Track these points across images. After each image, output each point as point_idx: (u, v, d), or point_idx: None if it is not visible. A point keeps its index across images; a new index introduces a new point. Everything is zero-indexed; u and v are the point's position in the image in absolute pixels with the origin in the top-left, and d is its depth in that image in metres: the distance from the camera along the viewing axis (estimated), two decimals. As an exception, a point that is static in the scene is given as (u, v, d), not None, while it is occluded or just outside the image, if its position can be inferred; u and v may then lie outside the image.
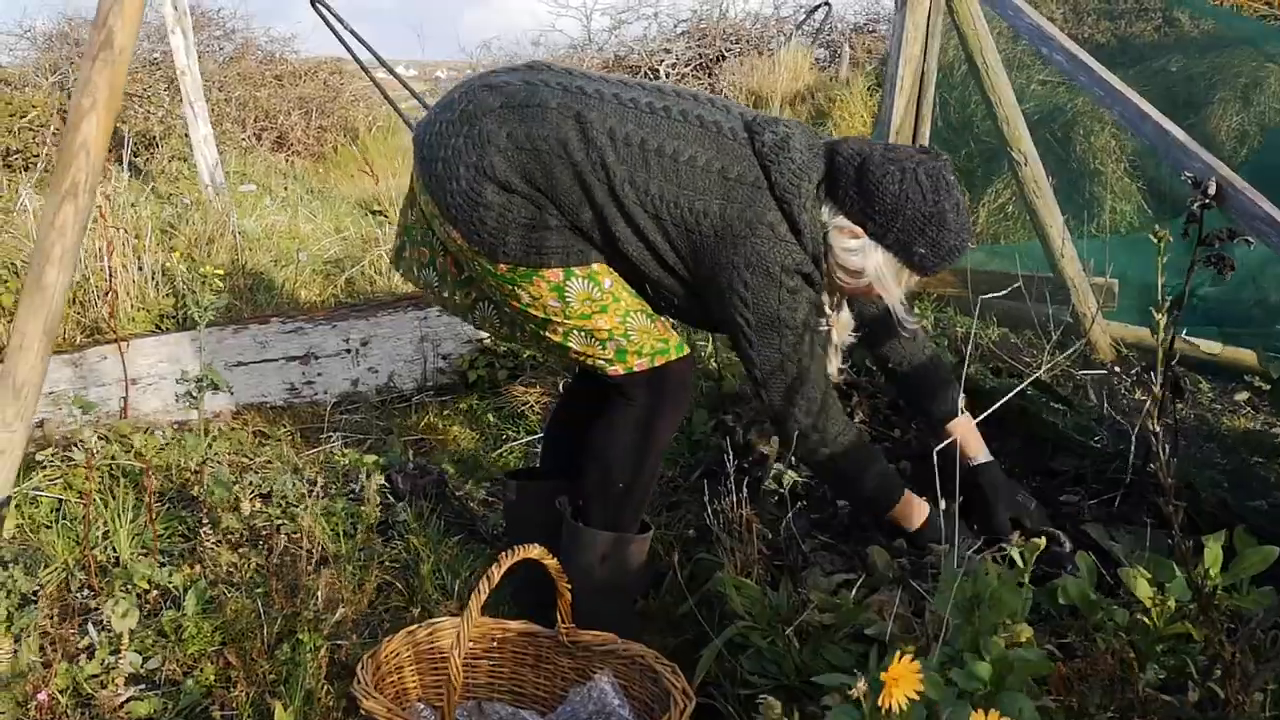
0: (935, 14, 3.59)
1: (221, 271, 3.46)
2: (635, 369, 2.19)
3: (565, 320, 2.15)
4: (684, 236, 2.11)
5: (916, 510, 2.34)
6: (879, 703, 1.25)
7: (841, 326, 2.30)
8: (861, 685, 1.32)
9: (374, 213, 7.02)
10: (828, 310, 2.24)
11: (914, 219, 2.06)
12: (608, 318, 2.15)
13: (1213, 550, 1.81)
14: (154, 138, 7.69)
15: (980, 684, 1.52)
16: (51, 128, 7.04)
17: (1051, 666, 1.63)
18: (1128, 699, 1.69)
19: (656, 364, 2.20)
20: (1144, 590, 1.81)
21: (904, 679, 1.25)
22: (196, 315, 2.86)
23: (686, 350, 2.25)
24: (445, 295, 2.37)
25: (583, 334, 2.17)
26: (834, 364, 2.28)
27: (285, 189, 7.31)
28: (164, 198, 6.11)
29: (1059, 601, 1.94)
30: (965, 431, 2.44)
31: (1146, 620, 1.80)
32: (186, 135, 6.83)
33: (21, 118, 6.98)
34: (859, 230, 2.10)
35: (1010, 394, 2.53)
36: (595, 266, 2.13)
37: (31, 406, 1.39)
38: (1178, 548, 1.68)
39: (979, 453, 2.44)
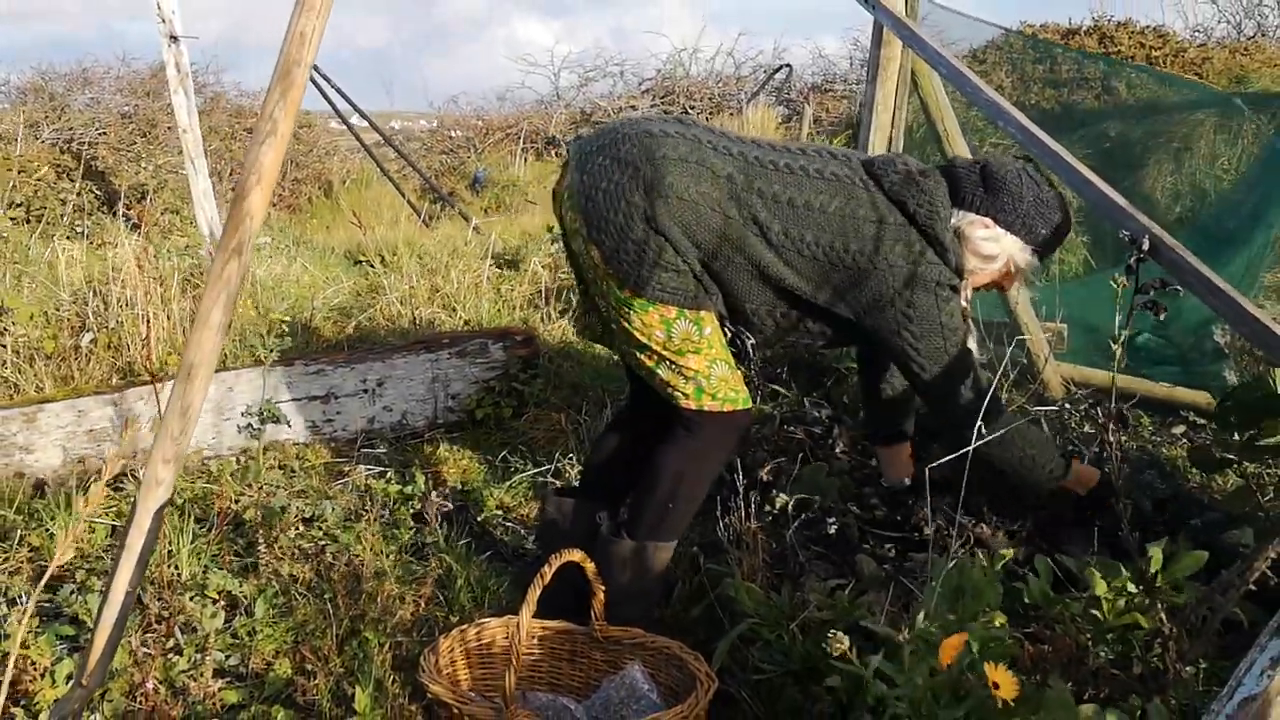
0: (902, 86, 4.00)
1: (289, 317, 3.74)
2: (706, 408, 2.46)
3: (663, 351, 2.43)
4: (840, 272, 2.44)
5: (1086, 470, 2.67)
6: (941, 656, 1.58)
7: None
8: (906, 633, 1.66)
9: (360, 262, 7.27)
10: (964, 304, 2.57)
11: (1034, 204, 2.50)
12: (699, 359, 2.44)
13: (1155, 554, 2.15)
14: (146, 190, 7.95)
15: (967, 655, 1.85)
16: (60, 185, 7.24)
17: (1016, 648, 1.97)
18: (1083, 674, 2.03)
19: (725, 409, 2.48)
20: (1101, 588, 2.15)
21: (954, 645, 1.59)
22: (263, 355, 3.14)
23: (751, 404, 2.55)
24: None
25: (672, 366, 2.45)
26: (974, 342, 2.61)
27: (274, 241, 7.58)
28: (163, 249, 6.34)
29: (1025, 599, 2.27)
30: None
31: (1097, 612, 2.14)
32: (181, 189, 7.10)
33: (20, 173, 7.20)
34: (989, 221, 2.49)
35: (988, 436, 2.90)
36: (703, 314, 2.43)
37: (194, 425, 1.69)
38: (1126, 540, 2.01)
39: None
